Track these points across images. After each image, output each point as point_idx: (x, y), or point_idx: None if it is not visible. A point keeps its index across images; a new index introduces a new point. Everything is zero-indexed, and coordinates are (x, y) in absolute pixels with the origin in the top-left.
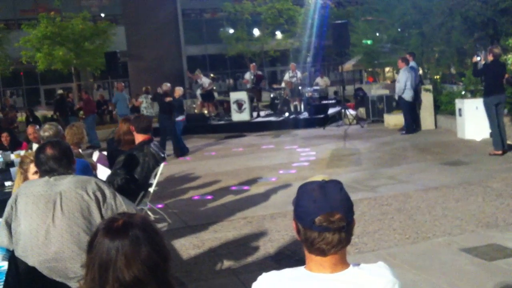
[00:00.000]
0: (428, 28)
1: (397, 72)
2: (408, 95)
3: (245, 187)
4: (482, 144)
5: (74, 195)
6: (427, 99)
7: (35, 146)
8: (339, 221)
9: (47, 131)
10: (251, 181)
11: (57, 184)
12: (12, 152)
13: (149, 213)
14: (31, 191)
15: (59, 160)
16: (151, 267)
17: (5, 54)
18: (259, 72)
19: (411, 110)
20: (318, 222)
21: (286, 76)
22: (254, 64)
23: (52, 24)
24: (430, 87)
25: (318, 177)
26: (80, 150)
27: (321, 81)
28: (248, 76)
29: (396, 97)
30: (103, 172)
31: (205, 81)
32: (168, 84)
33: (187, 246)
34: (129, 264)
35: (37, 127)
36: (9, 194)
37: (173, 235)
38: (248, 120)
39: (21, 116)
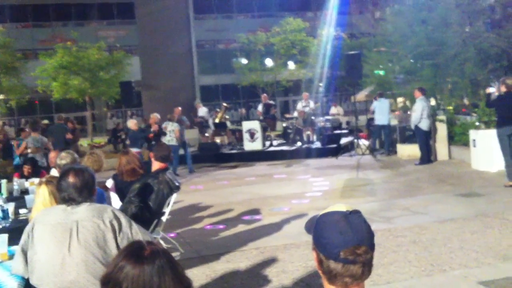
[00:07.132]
0: (442, 60)
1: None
2: (424, 125)
3: (258, 217)
4: (497, 176)
5: (91, 224)
6: (441, 130)
7: (53, 171)
8: (365, 254)
9: (64, 159)
10: (264, 211)
11: (73, 212)
12: (27, 180)
13: (162, 242)
14: (48, 219)
15: (80, 190)
16: None
17: (22, 83)
18: (269, 101)
19: (427, 140)
20: (344, 255)
21: (299, 106)
22: (265, 94)
23: (69, 54)
24: (444, 118)
25: (340, 206)
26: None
27: (335, 110)
28: (260, 108)
29: (412, 127)
30: (113, 199)
31: (201, 110)
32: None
33: (200, 277)
34: None
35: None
36: (23, 222)
37: (185, 265)
38: (260, 149)
39: None
